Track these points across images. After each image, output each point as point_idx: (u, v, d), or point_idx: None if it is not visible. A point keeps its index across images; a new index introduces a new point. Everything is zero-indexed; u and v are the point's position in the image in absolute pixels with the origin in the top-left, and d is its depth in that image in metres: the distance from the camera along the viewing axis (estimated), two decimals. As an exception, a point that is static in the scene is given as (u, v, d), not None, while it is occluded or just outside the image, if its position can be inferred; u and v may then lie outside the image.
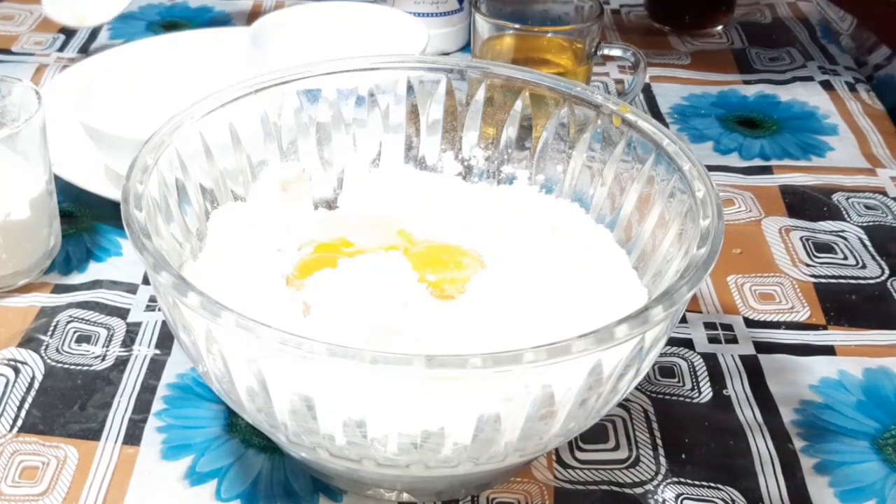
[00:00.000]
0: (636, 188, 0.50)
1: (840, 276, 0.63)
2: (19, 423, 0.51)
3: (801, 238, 0.66)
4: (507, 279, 0.48)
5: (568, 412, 0.39)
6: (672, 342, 0.56)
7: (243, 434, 0.50)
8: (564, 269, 0.49)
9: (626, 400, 0.52)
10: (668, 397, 0.53)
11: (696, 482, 0.48)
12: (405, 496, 0.47)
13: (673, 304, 0.38)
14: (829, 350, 0.57)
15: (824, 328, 0.58)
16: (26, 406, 0.52)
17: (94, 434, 0.50)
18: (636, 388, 0.47)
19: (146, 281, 0.61)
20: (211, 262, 0.50)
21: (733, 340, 0.57)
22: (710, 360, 0.56)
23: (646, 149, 0.49)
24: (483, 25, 0.72)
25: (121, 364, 0.55)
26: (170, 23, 0.95)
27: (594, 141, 0.52)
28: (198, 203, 0.50)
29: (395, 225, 0.53)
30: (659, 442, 0.50)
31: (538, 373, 0.37)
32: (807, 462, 0.50)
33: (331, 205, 0.57)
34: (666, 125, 0.76)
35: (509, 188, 0.56)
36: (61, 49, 0.91)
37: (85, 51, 0.91)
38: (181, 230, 0.48)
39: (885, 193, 0.71)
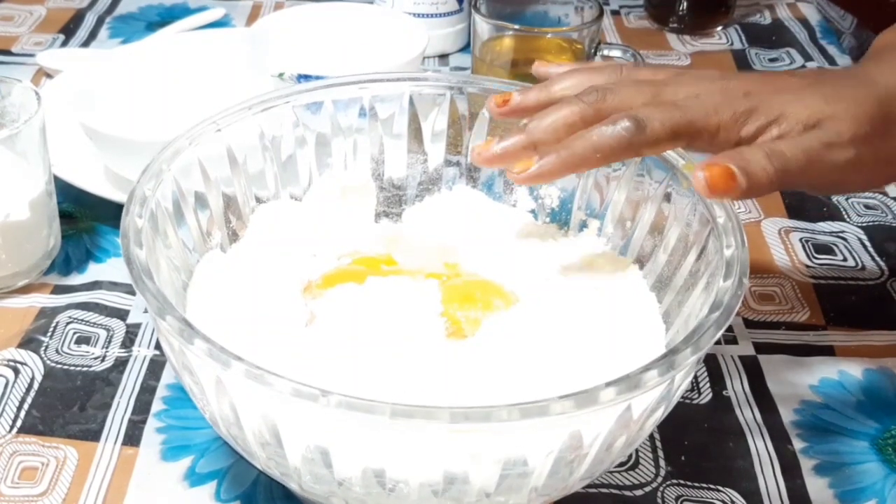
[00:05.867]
0: (651, 208, 0.49)
1: (840, 277, 0.63)
2: (19, 423, 0.51)
3: (800, 239, 0.66)
4: (522, 322, 0.46)
5: (595, 456, 0.38)
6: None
7: (243, 435, 0.50)
8: (583, 310, 0.47)
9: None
10: (667, 398, 0.53)
11: (696, 484, 0.48)
12: None
13: (701, 348, 0.37)
14: (828, 350, 0.57)
15: (824, 329, 0.58)
16: (26, 407, 0.52)
17: (94, 435, 0.50)
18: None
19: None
20: (237, 257, 0.49)
21: (733, 341, 0.57)
22: (710, 361, 0.56)
23: (657, 164, 0.49)
24: (483, 26, 0.72)
25: (120, 365, 0.55)
26: (170, 23, 0.95)
27: (664, 201, 0.49)
28: (216, 206, 0.50)
29: (450, 251, 0.52)
30: (658, 444, 0.50)
31: (567, 421, 0.35)
32: (807, 463, 0.50)
33: (395, 219, 0.56)
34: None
35: (577, 235, 0.53)
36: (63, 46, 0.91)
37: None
38: (196, 231, 0.48)
39: (884, 193, 0.71)
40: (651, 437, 0.51)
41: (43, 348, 0.56)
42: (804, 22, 0.97)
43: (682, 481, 0.49)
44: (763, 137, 0.45)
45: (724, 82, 0.46)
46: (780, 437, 0.51)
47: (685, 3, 0.95)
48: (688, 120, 0.44)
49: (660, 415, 0.40)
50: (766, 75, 0.48)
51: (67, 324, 0.58)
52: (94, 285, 0.61)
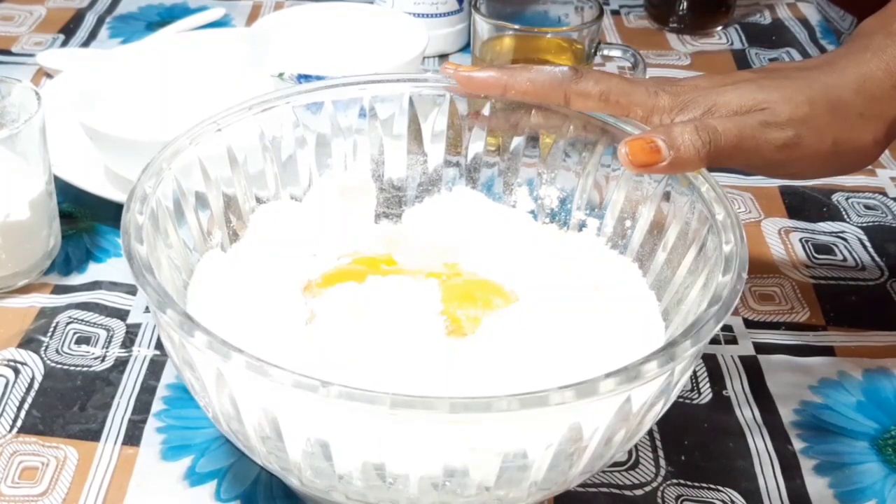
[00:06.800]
0: (650, 208, 0.49)
1: (840, 277, 0.63)
2: (19, 423, 0.51)
3: (800, 239, 0.66)
4: (522, 321, 0.46)
5: (594, 449, 0.38)
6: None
7: (243, 435, 0.50)
8: (583, 308, 0.47)
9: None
10: (667, 398, 0.53)
11: (696, 483, 0.48)
12: None
13: (701, 339, 0.37)
14: (828, 351, 0.57)
15: (824, 329, 0.58)
16: (26, 406, 0.52)
17: (94, 435, 0.51)
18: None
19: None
20: (237, 257, 0.49)
21: (733, 341, 0.57)
22: (710, 361, 0.56)
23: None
24: (483, 26, 0.72)
25: (120, 365, 0.55)
26: (170, 23, 0.95)
27: (663, 200, 0.49)
28: (217, 206, 0.50)
29: (450, 252, 0.52)
30: (658, 444, 0.50)
31: (567, 412, 0.35)
32: (806, 463, 0.50)
33: (395, 220, 0.56)
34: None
35: (576, 235, 0.53)
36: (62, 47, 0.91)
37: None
38: (196, 231, 0.48)
39: (884, 194, 0.71)
40: (651, 436, 0.51)
41: (43, 348, 0.56)
42: (804, 22, 0.97)
43: (682, 481, 0.49)
44: (699, 120, 0.46)
45: (675, 80, 0.49)
46: (780, 437, 0.51)
47: (685, 3, 0.95)
48: (624, 90, 0.47)
49: (659, 409, 0.40)
50: (723, 76, 0.50)
51: (67, 324, 0.58)
52: (94, 285, 0.61)
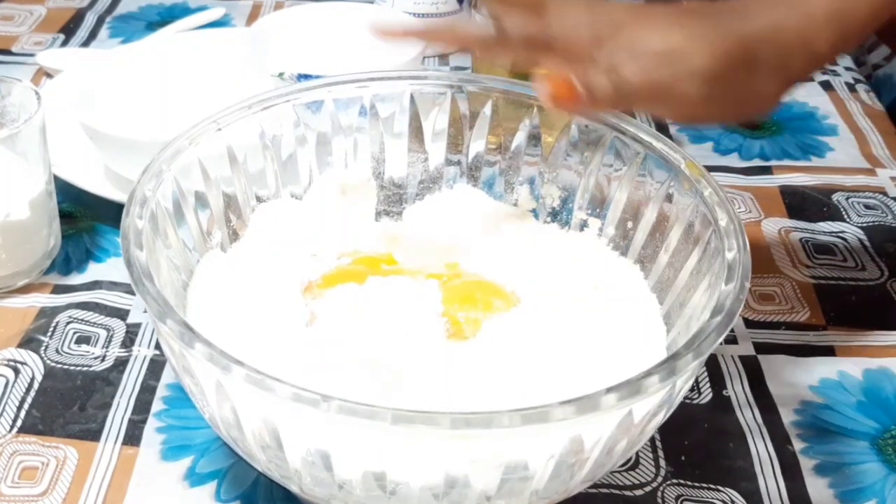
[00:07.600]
0: (652, 209, 0.49)
1: (840, 277, 0.63)
2: (19, 423, 0.51)
3: (800, 239, 0.66)
4: (523, 323, 0.46)
5: (596, 459, 0.38)
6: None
7: (243, 435, 0.50)
8: (583, 310, 0.47)
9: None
10: (667, 398, 0.53)
11: (696, 484, 0.48)
12: None
13: (702, 353, 0.37)
14: (828, 351, 0.57)
15: (824, 329, 0.58)
16: (26, 406, 0.52)
17: (94, 435, 0.50)
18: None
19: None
20: (238, 257, 0.49)
21: (733, 341, 0.57)
22: (710, 361, 0.55)
23: (658, 164, 0.49)
24: (483, 26, 0.72)
25: (120, 365, 0.55)
26: (170, 23, 0.95)
27: (666, 201, 0.49)
28: (217, 206, 0.50)
29: (451, 250, 0.52)
30: (658, 444, 0.50)
31: (568, 426, 0.35)
32: (807, 463, 0.50)
33: (396, 218, 0.56)
34: (666, 125, 0.76)
35: (578, 235, 0.53)
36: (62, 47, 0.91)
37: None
38: (196, 231, 0.48)
39: (884, 193, 0.71)
40: (651, 437, 0.50)
41: (43, 348, 0.56)
42: (804, 22, 0.97)
43: (682, 481, 0.49)
44: (613, 62, 0.45)
45: (596, 6, 0.48)
46: (780, 438, 0.51)
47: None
48: (546, 33, 0.47)
49: (661, 418, 0.40)
50: (644, 8, 0.48)
51: (67, 323, 0.58)
52: (94, 285, 0.61)
